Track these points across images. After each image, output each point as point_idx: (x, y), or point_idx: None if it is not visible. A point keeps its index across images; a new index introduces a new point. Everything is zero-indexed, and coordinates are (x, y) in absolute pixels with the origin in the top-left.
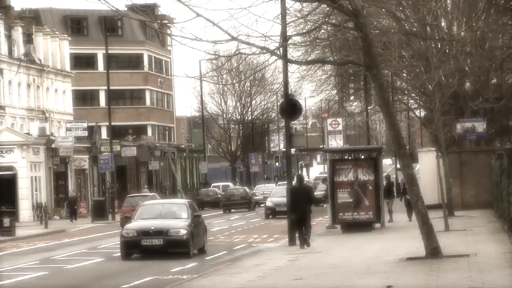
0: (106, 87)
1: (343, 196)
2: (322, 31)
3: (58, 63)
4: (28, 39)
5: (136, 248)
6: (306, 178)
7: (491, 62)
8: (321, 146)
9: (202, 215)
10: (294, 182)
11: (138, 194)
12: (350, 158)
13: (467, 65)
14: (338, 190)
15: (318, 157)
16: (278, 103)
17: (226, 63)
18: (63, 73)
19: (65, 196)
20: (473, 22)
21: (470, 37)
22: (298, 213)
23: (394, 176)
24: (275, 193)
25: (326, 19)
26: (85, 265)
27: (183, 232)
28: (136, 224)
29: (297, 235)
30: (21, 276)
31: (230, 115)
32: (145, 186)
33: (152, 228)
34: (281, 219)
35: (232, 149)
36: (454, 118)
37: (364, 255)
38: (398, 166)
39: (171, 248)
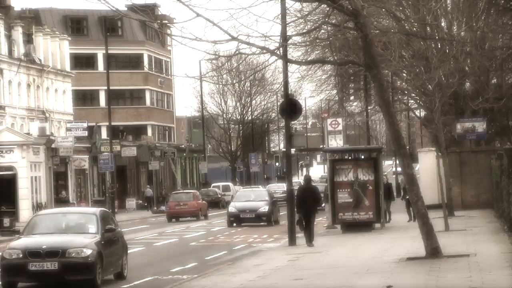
0: (106, 87)
1: (343, 196)
2: (322, 31)
3: (58, 63)
4: (28, 39)
5: (22, 274)
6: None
7: (491, 62)
8: (321, 146)
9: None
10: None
11: (182, 191)
12: (350, 158)
13: (467, 65)
14: (338, 190)
15: (318, 157)
16: (278, 103)
17: (226, 63)
18: (63, 73)
19: (65, 196)
20: (473, 22)
21: (470, 37)
22: (304, 212)
23: (394, 176)
24: (239, 196)
25: (326, 19)
26: None
27: (88, 252)
28: (23, 241)
29: (298, 235)
30: None
31: (230, 115)
32: (148, 186)
33: (44, 246)
34: (247, 227)
35: (232, 149)
36: (454, 118)
37: (364, 255)
38: (399, 168)
39: (69, 274)
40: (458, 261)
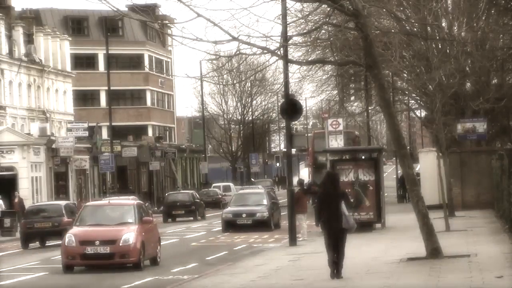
0: (106, 87)
1: None
2: (323, 31)
3: (58, 63)
4: (29, 39)
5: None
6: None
7: (491, 62)
8: None
9: (206, 215)
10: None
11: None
12: (350, 158)
13: (468, 66)
14: None
15: None
16: (279, 103)
17: (227, 63)
18: (63, 73)
19: (65, 197)
20: (473, 22)
21: (471, 37)
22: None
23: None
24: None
25: (327, 20)
26: None
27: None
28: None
29: (298, 235)
30: (21, 276)
31: (230, 115)
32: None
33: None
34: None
35: (233, 149)
36: (455, 119)
37: (365, 256)
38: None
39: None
40: (459, 261)
